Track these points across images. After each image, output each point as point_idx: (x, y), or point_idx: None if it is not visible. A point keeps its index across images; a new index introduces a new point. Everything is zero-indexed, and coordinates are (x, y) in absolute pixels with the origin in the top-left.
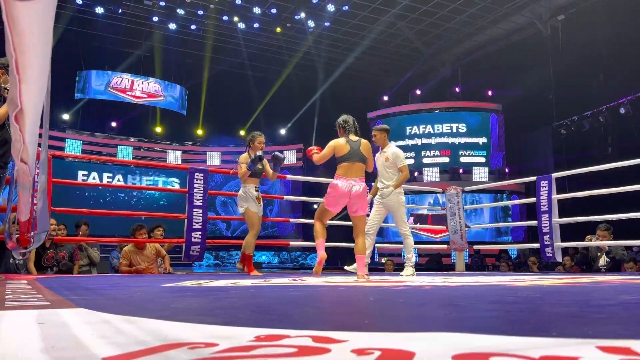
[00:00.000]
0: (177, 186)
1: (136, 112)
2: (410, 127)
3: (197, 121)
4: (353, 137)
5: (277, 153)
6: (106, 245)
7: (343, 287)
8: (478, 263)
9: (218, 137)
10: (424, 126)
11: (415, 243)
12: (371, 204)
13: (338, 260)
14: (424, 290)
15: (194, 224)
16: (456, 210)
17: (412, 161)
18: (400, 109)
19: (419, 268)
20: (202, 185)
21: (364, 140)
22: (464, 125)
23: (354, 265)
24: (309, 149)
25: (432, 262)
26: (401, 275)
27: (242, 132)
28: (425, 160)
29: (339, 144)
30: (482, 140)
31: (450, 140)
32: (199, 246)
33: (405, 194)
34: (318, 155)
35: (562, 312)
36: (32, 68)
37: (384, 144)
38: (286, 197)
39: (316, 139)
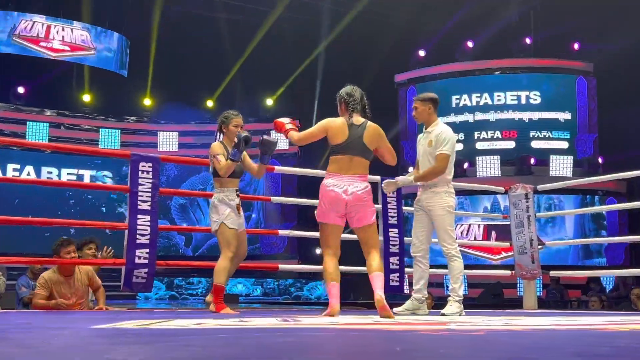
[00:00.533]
0: (109, 182)
1: (54, 73)
2: (458, 97)
3: (144, 87)
4: (357, 119)
5: (266, 137)
6: (12, 268)
7: (357, 332)
8: (556, 297)
9: (174, 110)
10: (478, 95)
11: (465, 267)
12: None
13: (350, 293)
14: (476, 337)
15: (138, 237)
16: (525, 220)
17: (460, 146)
18: (443, 69)
19: (469, 304)
20: (150, 181)
21: (372, 125)
22: (538, 93)
23: (408, 304)
24: (279, 120)
25: (487, 296)
26: (443, 314)
27: (209, 103)
28: (479, 146)
29: (334, 125)
30: (564, 116)
31: (517, 115)
32: (146, 270)
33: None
34: (299, 135)
35: None
36: None
37: (429, 120)
38: (274, 199)
39: (318, 115)
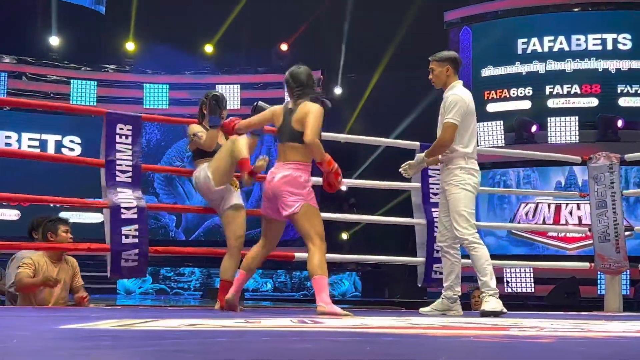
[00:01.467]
0: (77, 151)
1: (13, 9)
2: (525, 41)
3: (126, 27)
4: (294, 103)
5: (261, 102)
6: None
7: (392, 338)
8: None
9: (164, 56)
10: (552, 38)
11: (531, 258)
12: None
13: (384, 288)
14: (544, 347)
15: (123, 211)
16: (608, 198)
17: (527, 105)
18: (507, 4)
19: (536, 304)
20: (129, 147)
21: (304, 106)
22: (628, 36)
23: (437, 304)
24: (230, 121)
25: (559, 294)
26: (483, 311)
27: (208, 49)
28: (551, 104)
29: (277, 111)
30: None
31: (601, 65)
32: (137, 250)
33: (510, 165)
34: (243, 122)
35: None
36: None
37: (447, 83)
38: None
39: (345, 67)
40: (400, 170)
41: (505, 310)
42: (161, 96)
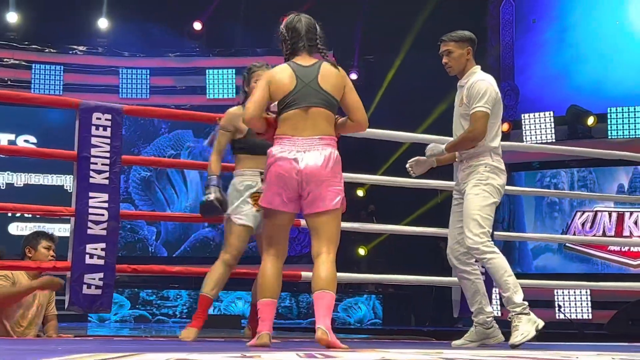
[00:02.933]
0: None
1: None
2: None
3: (99, 1)
4: (304, 60)
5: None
6: None
7: None
8: None
9: (143, 36)
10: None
11: (588, 278)
12: None
13: (410, 314)
14: None
15: (90, 225)
16: None
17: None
18: None
19: (596, 333)
20: (107, 142)
21: (327, 64)
22: None
23: (471, 334)
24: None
25: (623, 321)
26: (512, 345)
27: (196, 26)
28: (610, 90)
29: (275, 75)
30: None
31: None
32: (101, 275)
33: (563, 165)
34: (249, 111)
35: None
36: None
37: (466, 68)
38: None
39: (363, 45)
40: (406, 166)
41: (541, 324)
42: (140, 83)
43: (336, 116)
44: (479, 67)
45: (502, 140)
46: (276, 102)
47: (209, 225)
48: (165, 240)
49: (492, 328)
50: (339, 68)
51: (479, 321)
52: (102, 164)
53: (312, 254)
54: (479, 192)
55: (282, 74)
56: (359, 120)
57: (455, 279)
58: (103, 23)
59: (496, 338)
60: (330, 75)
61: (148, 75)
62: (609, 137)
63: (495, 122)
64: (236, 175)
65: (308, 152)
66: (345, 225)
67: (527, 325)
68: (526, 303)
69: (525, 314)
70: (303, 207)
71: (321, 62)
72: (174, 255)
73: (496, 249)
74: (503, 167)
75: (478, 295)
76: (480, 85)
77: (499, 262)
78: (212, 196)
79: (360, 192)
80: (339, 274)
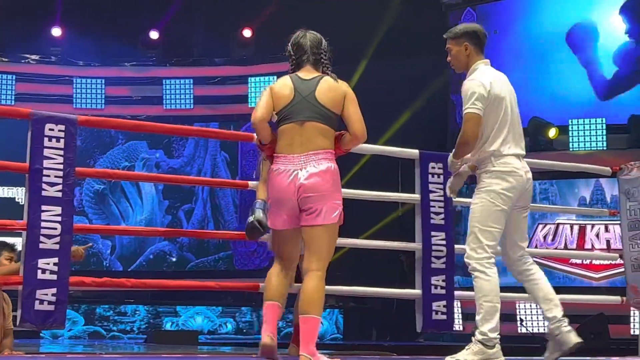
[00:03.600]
0: None
1: None
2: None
3: (51, 8)
4: (306, 73)
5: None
6: None
7: None
8: None
9: (99, 44)
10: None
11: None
12: None
13: (371, 328)
14: None
15: (42, 240)
16: None
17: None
18: None
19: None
20: (61, 154)
21: (329, 79)
22: None
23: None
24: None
25: (584, 334)
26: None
27: (153, 35)
28: (573, 101)
29: (276, 86)
30: None
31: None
32: (54, 290)
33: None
34: (257, 113)
35: None
36: None
37: (468, 64)
38: (253, 185)
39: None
40: (447, 187)
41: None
42: (95, 93)
43: (342, 132)
44: (484, 62)
45: None
46: (275, 113)
47: (166, 239)
48: (120, 254)
49: (560, 334)
50: (339, 81)
51: (548, 331)
52: (55, 177)
53: (302, 269)
54: (478, 201)
55: (282, 86)
56: (355, 132)
57: (417, 291)
58: (57, 31)
59: (569, 342)
60: (328, 89)
61: (103, 85)
62: (571, 150)
63: (492, 123)
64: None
65: (304, 169)
66: None
67: (473, 356)
68: (493, 337)
69: (487, 345)
70: (302, 220)
71: (322, 75)
72: (129, 270)
73: (487, 268)
74: (510, 168)
75: (539, 302)
76: (466, 86)
77: (482, 283)
78: (252, 217)
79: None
80: (297, 285)
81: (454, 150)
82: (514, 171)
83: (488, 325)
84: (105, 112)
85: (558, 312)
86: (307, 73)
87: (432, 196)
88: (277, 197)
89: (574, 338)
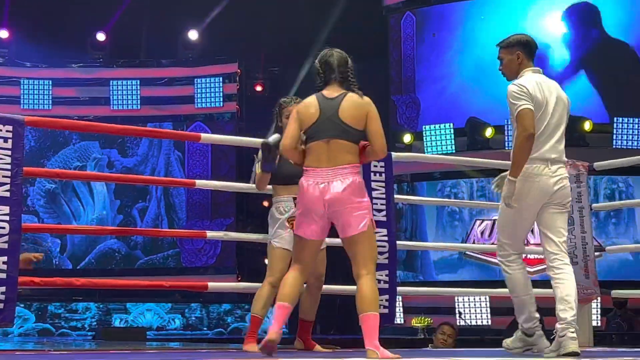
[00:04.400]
0: None
1: None
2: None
3: None
4: (332, 92)
5: (265, 140)
6: None
7: None
8: (622, 328)
9: (46, 46)
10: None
11: (487, 285)
12: None
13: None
14: None
15: None
16: (575, 213)
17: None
18: None
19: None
20: (8, 154)
21: (352, 96)
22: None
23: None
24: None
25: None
26: (505, 347)
27: (100, 37)
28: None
29: (302, 107)
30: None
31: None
32: (3, 289)
33: (462, 175)
34: (285, 145)
35: None
36: None
37: (519, 72)
38: (200, 184)
39: (268, 57)
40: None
41: (535, 348)
42: (42, 94)
43: (366, 143)
44: (532, 69)
45: (405, 151)
46: (302, 132)
47: (115, 237)
48: (71, 252)
49: (564, 337)
50: (364, 97)
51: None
52: (3, 176)
53: (353, 275)
54: (502, 203)
55: (309, 106)
56: (375, 148)
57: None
58: (4, 33)
59: (566, 348)
60: (350, 107)
61: (50, 86)
62: (506, 148)
63: (543, 122)
64: (274, 203)
65: (331, 183)
66: (252, 236)
67: (518, 342)
68: (528, 327)
69: (526, 334)
70: (338, 232)
71: (346, 93)
72: (78, 268)
73: (512, 267)
74: (535, 172)
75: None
76: (511, 89)
77: (507, 282)
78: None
79: (265, 203)
80: (244, 284)
81: (512, 158)
82: (536, 175)
83: (522, 317)
84: (52, 113)
85: (569, 315)
86: (332, 92)
87: (374, 194)
88: (307, 207)
89: (572, 346)
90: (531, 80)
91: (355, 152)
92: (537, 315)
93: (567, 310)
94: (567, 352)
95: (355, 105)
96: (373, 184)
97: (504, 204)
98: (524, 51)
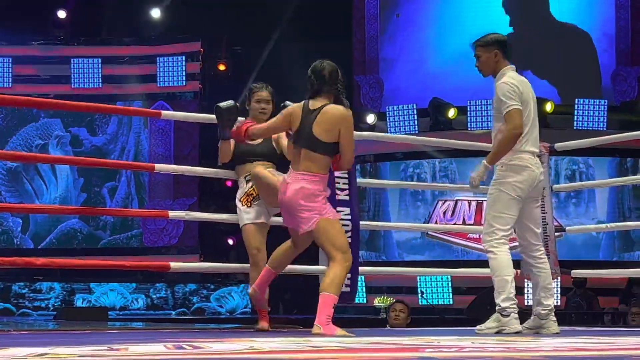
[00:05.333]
0: None
1: None
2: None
3: None
4: (316, 103)
5: (219, 104)
6: None
7: None
8: (582, 307)
9: (5, 24)
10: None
11: (449, 264)
12: None
13: (278, 302)
14: None
15: None
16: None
17: (449, 86)
18: None
19: (456, 317)
20: None
21: (330, 109)
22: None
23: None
24: (243, 124)
25: (481, 306)
26: (478, 331)
27: (60, 14)
28: (470, 82)
29: (294, 111)
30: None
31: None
32: None
33: (425, 156)
34: (256, 128)
35: None
36: None
37: (496, 70)
38: (159, 168)
39: (231, 38)
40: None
41: (509, 330)
42: (3, 72)
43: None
44: (511, 67)
45: (368, 130)
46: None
47: (77, 216)
48: (34, 232)
49: (546, 320)
50: (347, 110)
51: (535, 312)
52: None
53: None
54: (493, 191)
55: (296, 114)
56: (341, 162)
57: (322, 267)
58: None
59: (549, 329)
60: (324, 122)
61: (10, 64)
62: (469, 129)
63: (529, 119)
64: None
65: (289, 185)
66: (214, 216)
67: (492, 323)
68: (506, 306)
69: (502, 315)
70: None
71: (326, 105)
72: (39, 248)
73: (496, 249)
74: (524, 163)
75: (537, 287)
76: (504, 88)
77: (492, 263)
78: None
79: (229, 183)
80: (208, 264)
81: (493, 150)
82: (528, 166)
83: (501, 297)
84: (13, 91)
85: (552, 302)
86: (317, 102)
87: (337, 173)
88: (280, 201)
89: (554, 329)
90: (518, 79)
91: (321, 162)
92: (515, 297)
93: (549, 298)
94: (552, 332)
95: (329, 120)
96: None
97: (471, 186)
98: (501, 50)
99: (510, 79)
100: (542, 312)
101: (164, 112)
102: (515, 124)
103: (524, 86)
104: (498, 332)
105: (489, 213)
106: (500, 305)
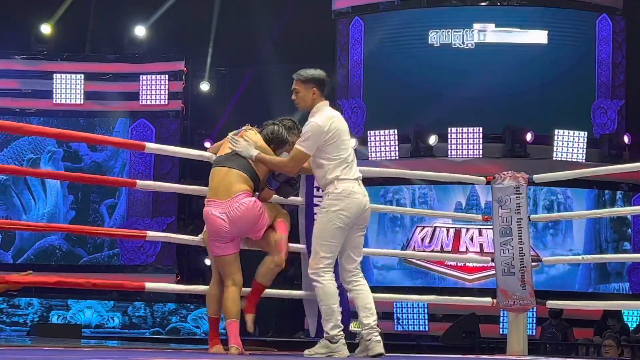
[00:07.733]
0: None
1: None
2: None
3: None
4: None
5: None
6: None
7: None
8: (557, 338)
9: None
10: (458, 32)
11: (425, 291)
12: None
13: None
14: None
15: None
16: (514, 224)
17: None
18: None
19: (431, 345)
20: None
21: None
22: (544, 33)
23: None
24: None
25: (457, 334)
26: (307, 354)
27: (44, 29)
28: (453, 109)
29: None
30: (577, 72)
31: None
32: None
33: (405, 182)
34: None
35: None
36: None
37: (312, 106)
38: (141, 184)
39: (215, 58)
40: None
41: (339, 355)
42: None
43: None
44: (326, 104)
45: None
46: None
47: (57, 233)
48: (19, 247)
49: (370, 341)
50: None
51: (359, 335)
52: None
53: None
54: (319, 219)
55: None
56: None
57: (303, 292)
58: None
59: (372, 350)
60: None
61: None
62: (449, 157)
63: (336, 154)
64: None
65: None
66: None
67: (322, 349)
68: (334, 334)
69: (330, 341)
70: None
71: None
72: (17, 263)
73: (322, 277)
74: (349, 191)
75: (358, 309)
76: (307, 127)
77: (318, 291)
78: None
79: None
80: (183, 286)
81: (271, 160)
82: (352, 194)
83: (329, 325)
84: None
85: (372, 320)
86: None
87: (316, 200)
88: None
89: (378, 349)
90: (328, 115)
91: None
92: (341, 324)
93: (369, 317)
94: (374, 354)
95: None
96: (315, 190)
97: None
98: (318, 88)
99: (321, 117)
100: (364, 332)
101: (147, 144)
102: (294, 162)
103: (335, 121)
104: (329, 357)
105: (314, 240)
106: (328, 333)
